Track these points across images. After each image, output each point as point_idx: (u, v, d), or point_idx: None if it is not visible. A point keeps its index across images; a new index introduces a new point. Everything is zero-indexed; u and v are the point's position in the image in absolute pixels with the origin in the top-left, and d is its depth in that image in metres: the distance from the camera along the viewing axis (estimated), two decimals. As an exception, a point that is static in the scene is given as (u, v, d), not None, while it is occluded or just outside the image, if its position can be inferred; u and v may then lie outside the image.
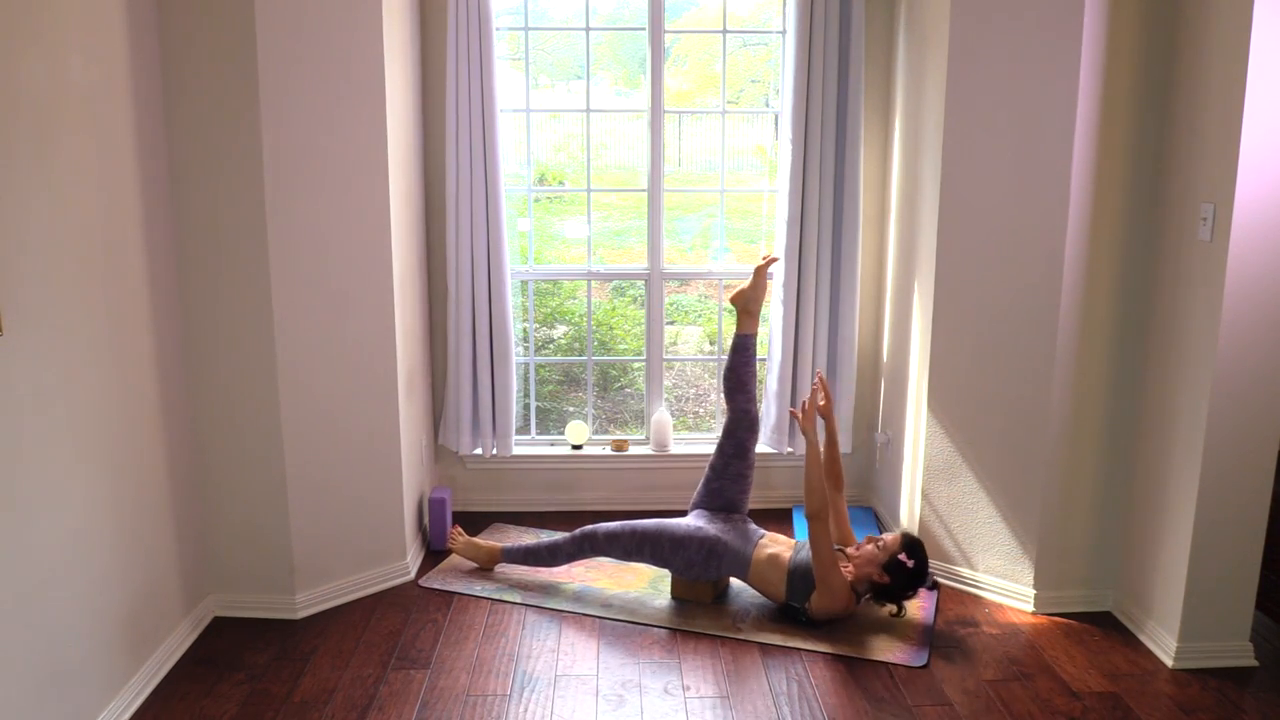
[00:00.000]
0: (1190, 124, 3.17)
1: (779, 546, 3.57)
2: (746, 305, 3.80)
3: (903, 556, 3.39)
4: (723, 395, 3.87)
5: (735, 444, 3.77)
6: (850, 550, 3.49)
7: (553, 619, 3.56)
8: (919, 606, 3.61)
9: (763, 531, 3.69)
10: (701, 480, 3.82)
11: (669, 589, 3.72)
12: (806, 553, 3.48)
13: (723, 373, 3.85)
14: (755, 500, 4.50)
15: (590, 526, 3.74)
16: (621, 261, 4.78)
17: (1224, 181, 2.99)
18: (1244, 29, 2.88)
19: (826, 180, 4.16)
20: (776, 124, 4.42)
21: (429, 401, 4.36)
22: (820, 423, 3.66)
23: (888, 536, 3.44)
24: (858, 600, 3.46)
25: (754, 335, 3.79)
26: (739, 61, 4.70)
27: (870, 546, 3.44)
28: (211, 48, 3.15)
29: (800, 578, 3.44)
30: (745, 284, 3.84)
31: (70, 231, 2.65)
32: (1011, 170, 3.44)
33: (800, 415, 3.57)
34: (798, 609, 3.46)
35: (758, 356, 3.82)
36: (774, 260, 3.87)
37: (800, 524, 4.28)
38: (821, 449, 3.55)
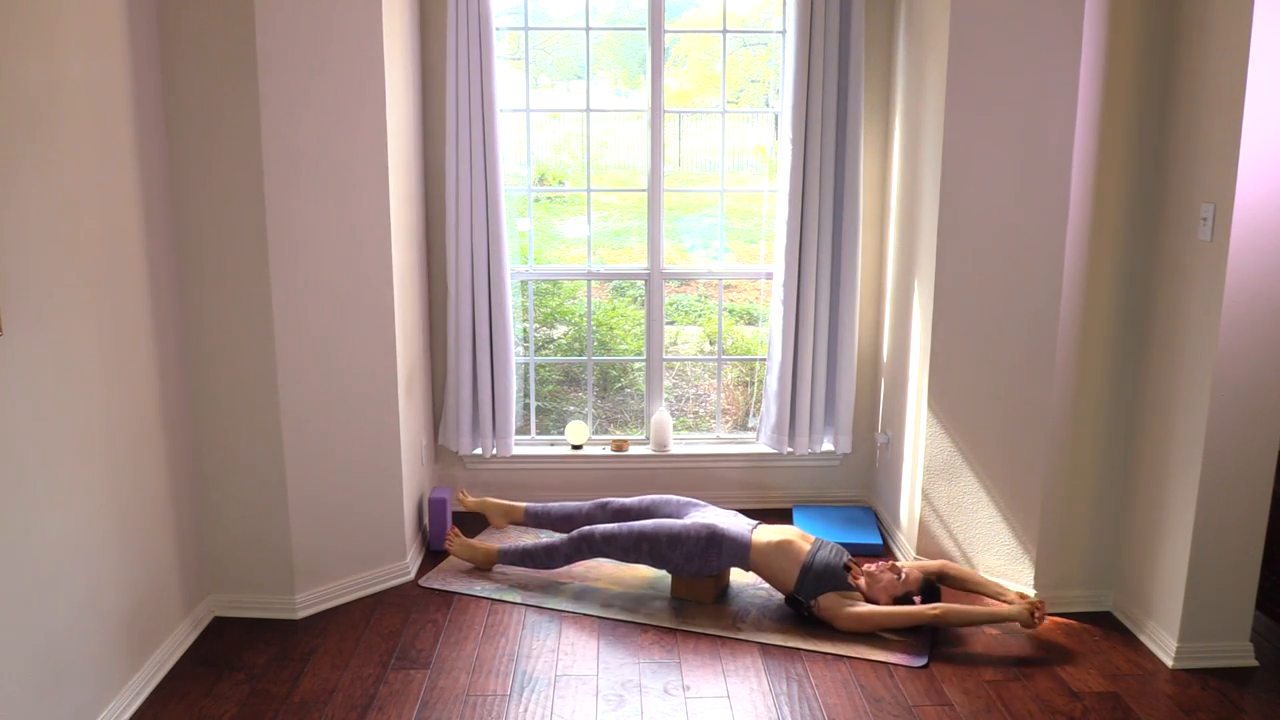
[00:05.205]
0: (1190, 124, 3.17)
1: (787, 534, 3.55)
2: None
3: (917, 599, 3.42)
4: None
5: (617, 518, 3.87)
6: (870, 567, 3.47)
7: (553, 619, 3.56)
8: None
9: (755, 521, 3.69)
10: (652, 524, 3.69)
11: (669, 589, 3.72)
12: (827, 553, 3.49)
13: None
14: (754, 499, 4.53)
15: (588, 527, 3.74)
16: (621, 261, 4.78)
17: (1224, 181, 2.98)
18: (1244, 29, 2.88)
19: (826, 180, 4.16)
20: (776, 124, 4.42)
21: (429, 402, 4.36)
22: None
23: (911, 571, 3.43)
24: None
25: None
26: (739, 61, 4.69)
27: (890, 575, 3.42)
28: (211, 47, 3.15)
29: (815, 577, 3.43)
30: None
31: (70, 231, 2.65)
32: (1011, 170, 3.44)
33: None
34: (801, 602, 3.46)
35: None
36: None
37: (802, 522, 4.27)
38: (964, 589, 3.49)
